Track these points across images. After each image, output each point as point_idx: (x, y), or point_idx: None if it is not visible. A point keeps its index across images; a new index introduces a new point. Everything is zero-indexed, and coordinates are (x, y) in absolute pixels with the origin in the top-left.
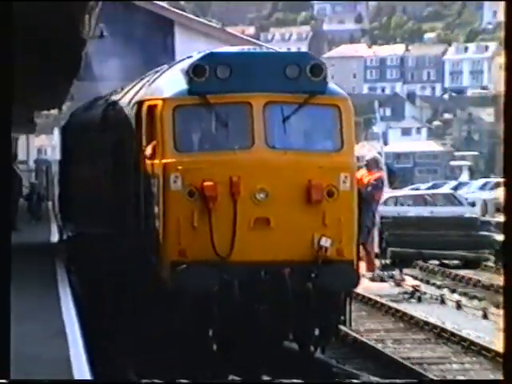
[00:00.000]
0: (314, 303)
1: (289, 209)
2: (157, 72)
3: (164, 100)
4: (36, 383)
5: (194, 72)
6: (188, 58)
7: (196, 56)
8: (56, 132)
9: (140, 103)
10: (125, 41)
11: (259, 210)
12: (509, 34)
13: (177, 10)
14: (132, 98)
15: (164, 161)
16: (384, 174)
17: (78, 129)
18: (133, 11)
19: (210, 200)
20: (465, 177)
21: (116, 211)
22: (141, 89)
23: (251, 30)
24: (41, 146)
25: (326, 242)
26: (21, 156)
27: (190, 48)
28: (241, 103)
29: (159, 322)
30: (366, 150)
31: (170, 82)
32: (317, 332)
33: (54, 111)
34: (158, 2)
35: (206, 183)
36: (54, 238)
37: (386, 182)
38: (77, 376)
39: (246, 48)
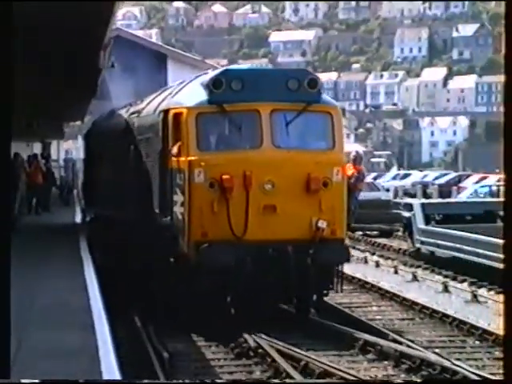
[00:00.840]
0: (313, 274)
1: (291, 197)
2: (177, 86)
3: (188, 108)
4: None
5: (213, 85)
6: (204, 74)
7: (214, 72)
8: (79, 138)
9: (166, 111)
10: (131, 70)
11: (267, 198)
12: (509, 35)
13: (169, 47)
14: (157, 108)
15: (189, 158)
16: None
17: (101, 133)
18: (136, 48)
19: (227, 190)
20: (394, 170)
21: (140, 199)
22: (164, 100)
23: (224, 61)
24: (68, 148)
25: (322, 224)
26: (53, 156)
27: (179, 76)
28: (251, 111)
29: (182, 291)
30: None
31: (191, 94)
32: (314, 297)
33: (78, 122)
34: (156, 42)
35: (224, 176)
36: (78, 217)
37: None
38: (96, 320)
39: (255, 65)
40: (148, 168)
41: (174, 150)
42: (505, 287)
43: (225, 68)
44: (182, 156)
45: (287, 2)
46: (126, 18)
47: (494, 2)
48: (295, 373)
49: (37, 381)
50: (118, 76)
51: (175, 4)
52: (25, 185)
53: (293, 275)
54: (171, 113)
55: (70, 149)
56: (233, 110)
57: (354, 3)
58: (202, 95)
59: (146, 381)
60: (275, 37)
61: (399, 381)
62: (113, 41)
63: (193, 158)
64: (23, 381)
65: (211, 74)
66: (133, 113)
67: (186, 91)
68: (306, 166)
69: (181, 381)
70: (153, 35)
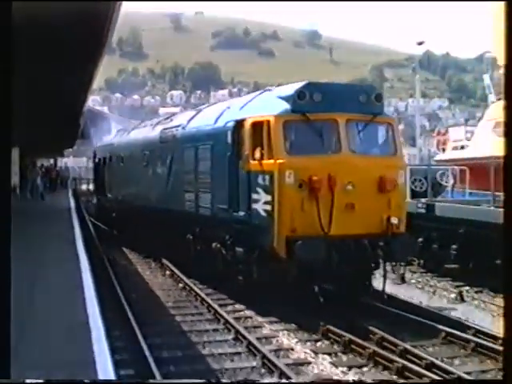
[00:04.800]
0: (384, 265)
1: (367, 196)
2: (233, 103)
3: (276, 116)
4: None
5: (298, 96)
6: (266, 91)
7: (295, 85)
8: (71, 157)
9: (239, 121)
10: (95, 125)
11: (348, 198)
12: (509, 35)
13: (112, 114)
14: (217, 120)
15: (279, 161)
16: None
17: (122, 146)
18: (98, 114)
19: (317, 190)
20: None
21: (191, 194)
22: (221, 115)
23: (139, 121)
24: (66, 161)
25: (394, 220)
26: (58, 164)
27: (116, 126)
28: (330, 120)
29: (261, 277)
30: None
31: (273, 105)
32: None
33: (70, 149)
34: (106, 112)
35: (314, 178)
36: (70, 192)
37: None
38: (84, 272)
39: (331, 81)
40: (204, 170)
41: (257, 154)
42: (505, 288)
43: (307, 82)
44: (267, 159)
45: (168, 95)
46: (93, 101)
47: None
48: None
49: (40, 381)
50: (89, 130)
51: (116, 95)
52: (40, 179)
53: (370, 266)
54: (248, 122)
55: (67, 162)
56: (315, 118)
57: (198, 94)
58: (284, 105)
59: (146, 381)
60: (162, 111)
61: (399, 381)
62: (86, 111)
63: (282, 161)
64: (27, 381)
65: (289, 87)
66: (168, 128)
67: (263, 103)
68: (379, 169)
69: (181, 381)
70: (105, 109)
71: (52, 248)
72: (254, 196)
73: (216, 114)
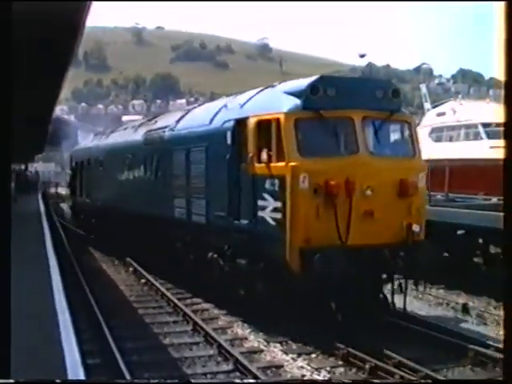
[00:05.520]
0: (405, 278)
1: (386, 202)
2: (230, 100)
3: (286, 114)
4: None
5: (311, 91)
6: (269, 87)
7: (306, 80)
8: (40, 162)
9: (241, 120)
10: (64, 133)
11: (366, 204)
12: (509, 35)
13: (79, 122)
14: (212, 120)
15: (291, 164)
16: None
17: (96, 150)
18: (64, 122)
19: (334, 196)
20: None
21: (179, 200)
22: (218, 113)
23: (101, 129)
24: (36, 166)
25: (416, 227)
26: (29, 169)
27: (83, 134)
28: (345, 118)
29: (278, 296)
30: None
31: (281, 101)
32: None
33: (40, 155)
34: (73, 121)
35: (331, 182)
36: (40, 194)
37: None
38: (51, 260)
39: (345, 74)
40: (197, 174)
41: (263, 156)
42: (505, 292)
43: (320, 75)
44: (276, 162)
45: (130, 104)
46: (60, 110)
47: None
48: None
49: (11, 381)
50: (54, 138)
51: (82, 104)
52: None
53: (386, 277)
54: (253, 121)
55: (37, 166)
56: (329, 116)
57: (158, 104)
58: (295, 101)
59: (147, 381)
60: (124, 118)
61: (399, 381)
62: (54, 120)
63: (295, 163)
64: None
65: (298, 82)
66: (153, 130)
67: (268, 100)
68: (399, 172)
69: (172, 381)
70: (72, 118)
71: (26, 243)
72: (261, 202)
73: (211, 113)
